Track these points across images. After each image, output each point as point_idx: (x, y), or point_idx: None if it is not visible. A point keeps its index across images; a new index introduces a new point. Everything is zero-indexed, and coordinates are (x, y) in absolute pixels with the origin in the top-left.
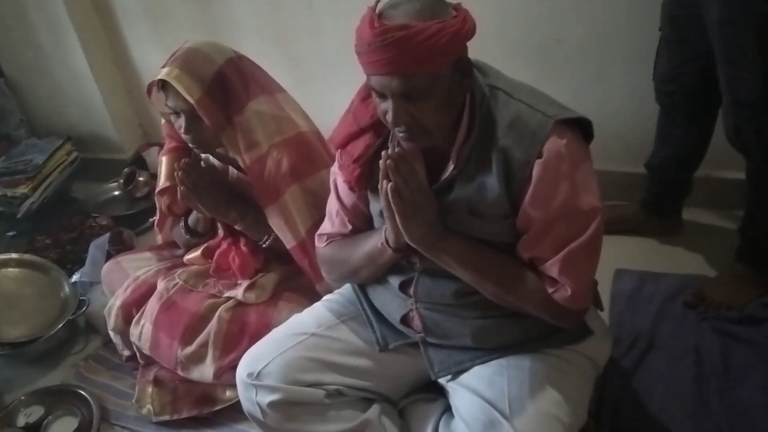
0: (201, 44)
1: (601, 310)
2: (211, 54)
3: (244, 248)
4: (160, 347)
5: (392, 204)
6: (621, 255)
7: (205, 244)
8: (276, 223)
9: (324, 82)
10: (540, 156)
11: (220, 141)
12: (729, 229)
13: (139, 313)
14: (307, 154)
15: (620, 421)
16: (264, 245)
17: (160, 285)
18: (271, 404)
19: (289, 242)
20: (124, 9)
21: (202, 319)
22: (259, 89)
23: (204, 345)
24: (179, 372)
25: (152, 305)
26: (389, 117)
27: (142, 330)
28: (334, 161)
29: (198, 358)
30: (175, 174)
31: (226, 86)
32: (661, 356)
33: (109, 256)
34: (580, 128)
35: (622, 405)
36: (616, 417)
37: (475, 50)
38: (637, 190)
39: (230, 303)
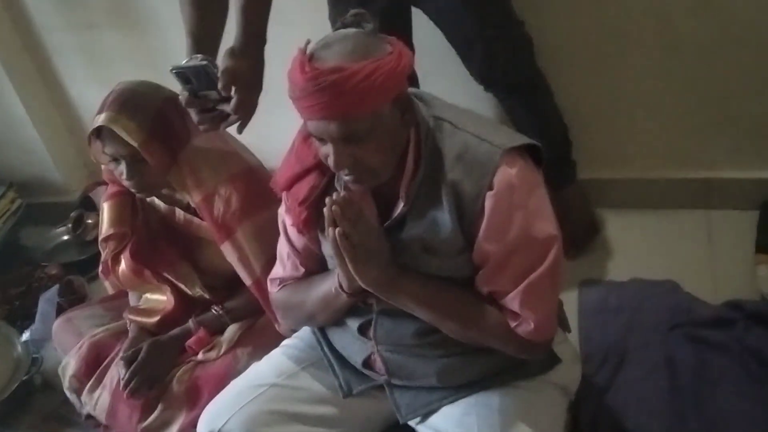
0: (135, 84)
1: (568, 332)
2: (148, 93)
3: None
4: (117, 418)
5: (342, 249)
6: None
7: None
8: (232, 260)
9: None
10: (491, 188)
11: (165, 182)
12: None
13: (93, 380)
14: (256, 189)
15: None
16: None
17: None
18: None
19: (245, 280)
20: (56, 46)
21: (162, 386)
22: None
23: (164, 410)
24: None
25: (112, 375)
26: (331, 161)
27: (98, 400)
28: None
29: (158, 426)
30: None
31: (168, 124)
32: (634, 370)
33: (60, 309)
34: (530, 153)
35: (598, 425)
36: None
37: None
38: None
39: (188, 365)
